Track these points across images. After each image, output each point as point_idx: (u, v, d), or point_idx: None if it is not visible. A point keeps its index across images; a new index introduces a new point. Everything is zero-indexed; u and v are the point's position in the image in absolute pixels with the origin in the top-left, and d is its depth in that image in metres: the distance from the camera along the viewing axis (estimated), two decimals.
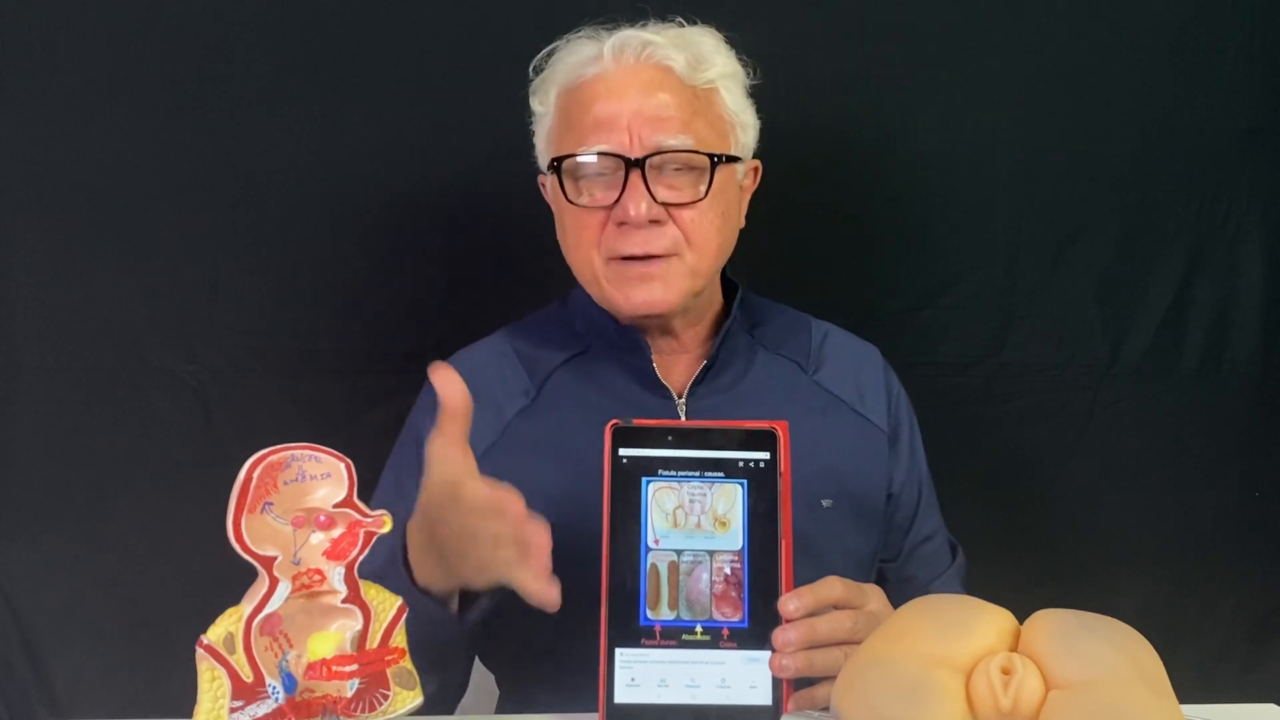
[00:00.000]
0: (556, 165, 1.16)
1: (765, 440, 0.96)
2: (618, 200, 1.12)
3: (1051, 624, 0.77)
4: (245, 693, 0.76)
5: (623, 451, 0.95)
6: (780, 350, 1.27)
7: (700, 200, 1.14)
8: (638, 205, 1.11)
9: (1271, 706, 0.97)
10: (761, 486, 0.95)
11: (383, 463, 1.24)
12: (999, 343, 1.72)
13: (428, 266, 1.61)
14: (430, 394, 1.20)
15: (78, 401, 1.58)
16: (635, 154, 1.12)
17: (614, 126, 1.13)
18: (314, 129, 1.57)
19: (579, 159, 1.14)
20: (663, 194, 1.13)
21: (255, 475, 0.76)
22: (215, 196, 1.57)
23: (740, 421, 0.97)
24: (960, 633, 0.77)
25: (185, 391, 1.59)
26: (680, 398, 1.20)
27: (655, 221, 1.13)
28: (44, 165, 1.54)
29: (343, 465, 0.80)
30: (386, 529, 0.81)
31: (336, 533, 0.80)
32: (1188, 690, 0.80)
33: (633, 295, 1.15)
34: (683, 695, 0.90)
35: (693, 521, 0.94)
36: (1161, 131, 1.69)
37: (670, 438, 0.95)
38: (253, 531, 0.76)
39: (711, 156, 1.14)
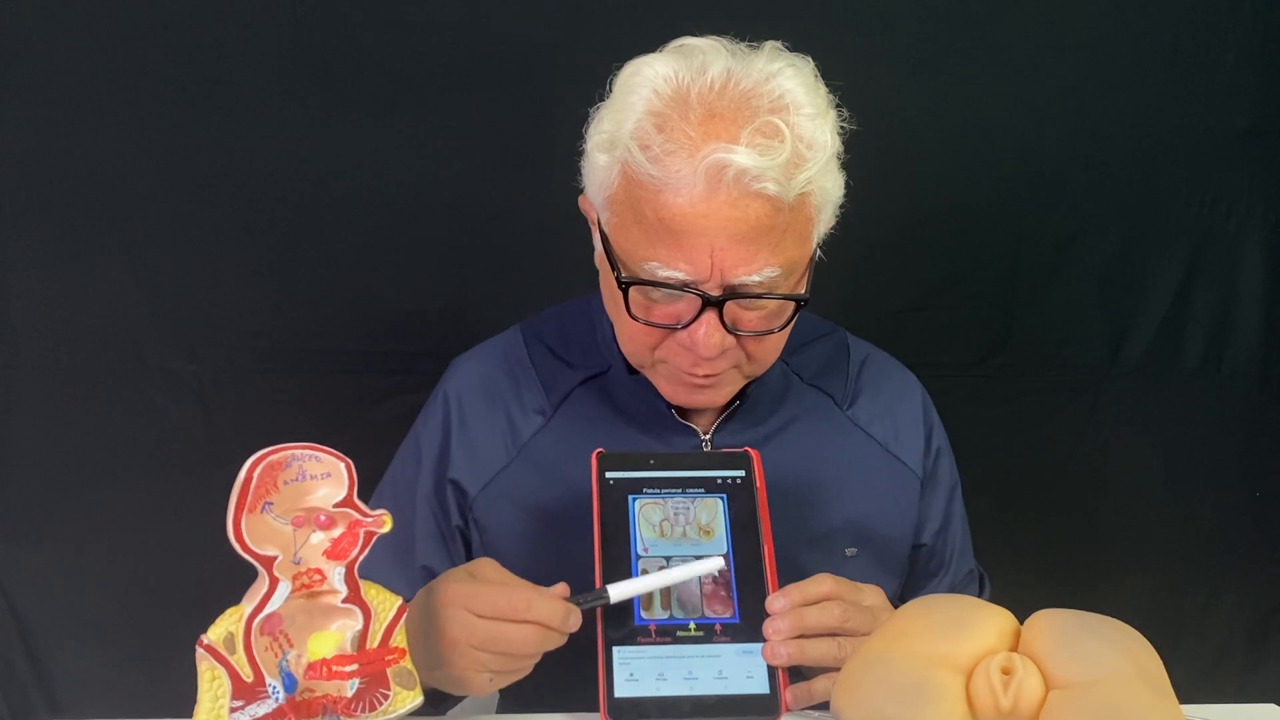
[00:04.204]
0: (609, 249, 1.05)
1: (740, 459, 1.04)
2: (687, 325, 1.02)
3: (1052, 624, 0.77)
4: (245, 692, 0.76)
5: (609, 475, 1.01)
6: (816, 382, 1.21)
7: (773, 333, 1.05)
8: (710, 342, 1.01)
9: (1271, 706, 0.97)
10: (741, 499, 1.01)
11: (384, 463, 1.24)
12: (999, 343, 1.72)
13: (431, 265, 1.61)
14: (436, 403, 1.20)
15: (76, 401, 1.58)
16: (715, 291, 0.99)
17: (694, 250, 0.98)
18: (315, 127, 1.57)
19: (649, 279, 1.01)
20: (737, 323, 1.03)
21: (255, 475, 0.76)
22: (216, 195, 1.57)
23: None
24: (960, 633, 0.77)
25: (185, 391, 1.59)
26: (706, 434, 1.14)
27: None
28: (44, 164, 1.55)
29: (343, 465, 0.80)
30: (387, 529, 0.81)
31: (337, 532, 0.80)
32: (1188, 690, 0.80)
33: (682, 397, 1.10)
34: (681, 687, 0.92)
35: (678, 531, 0.99)
36: (1161, 131, 1.69)
37: (652, 461, 1.03)
38: (253, 531, 0.76)
39: (797, 300, 1.03)
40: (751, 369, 1.09)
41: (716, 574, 0.97)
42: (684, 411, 1.14)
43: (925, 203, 1.66)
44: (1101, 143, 1.68)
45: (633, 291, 1.03)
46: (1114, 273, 1.72)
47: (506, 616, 0.89)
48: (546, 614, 0.89)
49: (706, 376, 1.06)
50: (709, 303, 1.00)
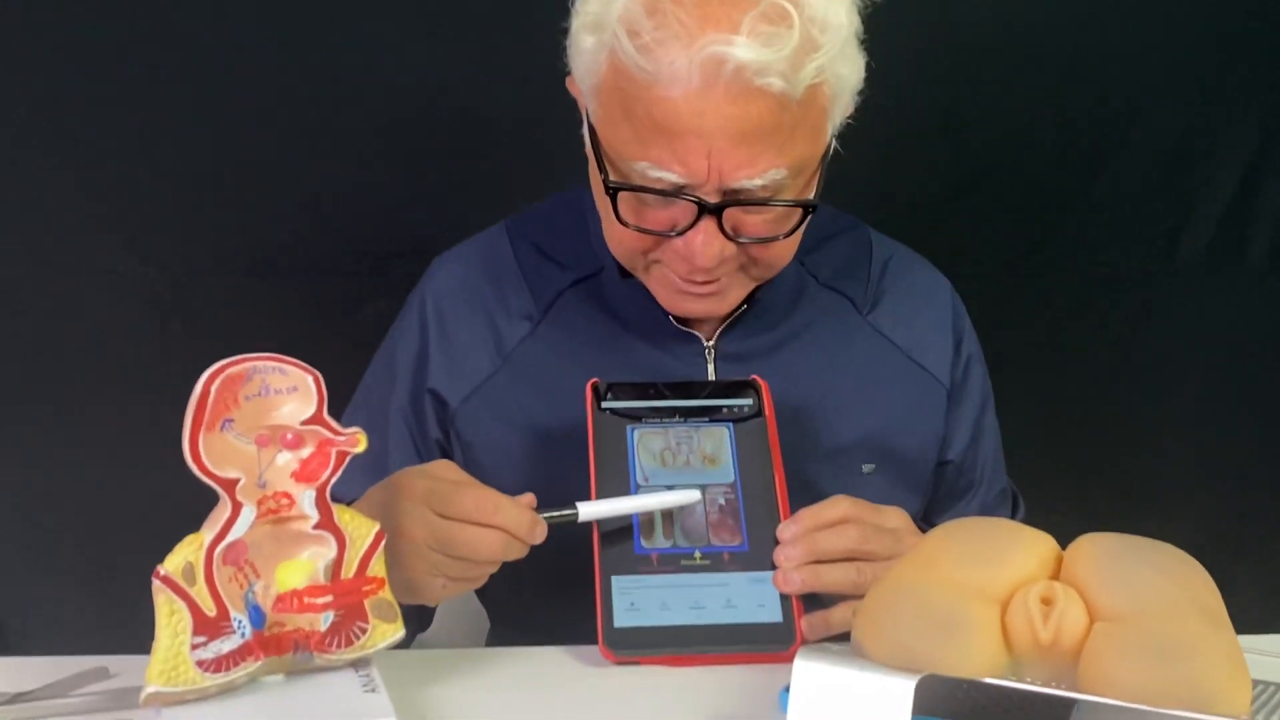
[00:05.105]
0: (596, 142, 1.04)
1: (747, 388, 1.06)
2: (682, 232, 1.01)
3: (1097, 549, 0.77)
4: (208, 627, 0.76)
5: (604, 404, 1.03)
6: (834, 284, 1.20)
7: (778, 239, 1.04)
8: (708, 252, 1.00)
9: None
10: (748, 429, 1.03)
11: (357, 375, 1.24)
12: (1040, 239, 1.71)
13: (408, 156, 1.59)
14: (413, 307, 1.19)
15: (18, 306, 1.57)
16: (713, 196, 0.98)
17: (689, 152, 0.96)
18: (277, 27, 1.55)
19: (640, 183, 1.00)
20: (738, 228, 1.02)
21: (213, 389, 0.76)
22: (169, 82, 1.55)
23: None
24: (996, 559, 0.77)
25: (136, 297, 1.58)
26: (709, 342, 1.14)
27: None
28: None
29: (310, 378, 0.80)
30: (361, 448, 0.80)
31: (305, 452, 0.80)
32: (1246, 621, 0.81)
33: (680, 305, 1.09)
34: (688, 617, 0.93)
35: (681, 460, 1.01)
36: None
37: (652, 390, 1.05)
38: (212, 451, 0.76)
39: (805, 207, 1.03)
40: (760, 272, 1.09)
41: (723, 501, 0.98)
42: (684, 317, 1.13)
43: (959, 83, 1.64)
44: (1161, 14, 1.65)
45: (623, 195, 1.02)
46: (1171, 159, 1.70)
47: (471, 518, 0.90)
48: (513, 520, 0.90)
49: (706, 284, 1.05)
50: (706, 209, 0.99)
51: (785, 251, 1.08)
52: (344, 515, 0.81)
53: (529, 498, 0.93)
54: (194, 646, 0.75)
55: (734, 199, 0.99)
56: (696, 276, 1.04)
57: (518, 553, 0.91)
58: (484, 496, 0.91)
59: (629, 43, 0.96)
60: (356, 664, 0.82)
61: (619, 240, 1.07)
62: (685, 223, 1.01)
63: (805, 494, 1.00)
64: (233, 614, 0.77)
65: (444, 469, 0.96)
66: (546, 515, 0.92)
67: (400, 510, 0.91)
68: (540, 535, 0.92)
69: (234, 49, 1.55)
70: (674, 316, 1.13)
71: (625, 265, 1.11)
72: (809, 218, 1.04)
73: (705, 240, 1.00)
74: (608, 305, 1.16)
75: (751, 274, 1.08)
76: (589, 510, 0.94)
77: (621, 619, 0.93)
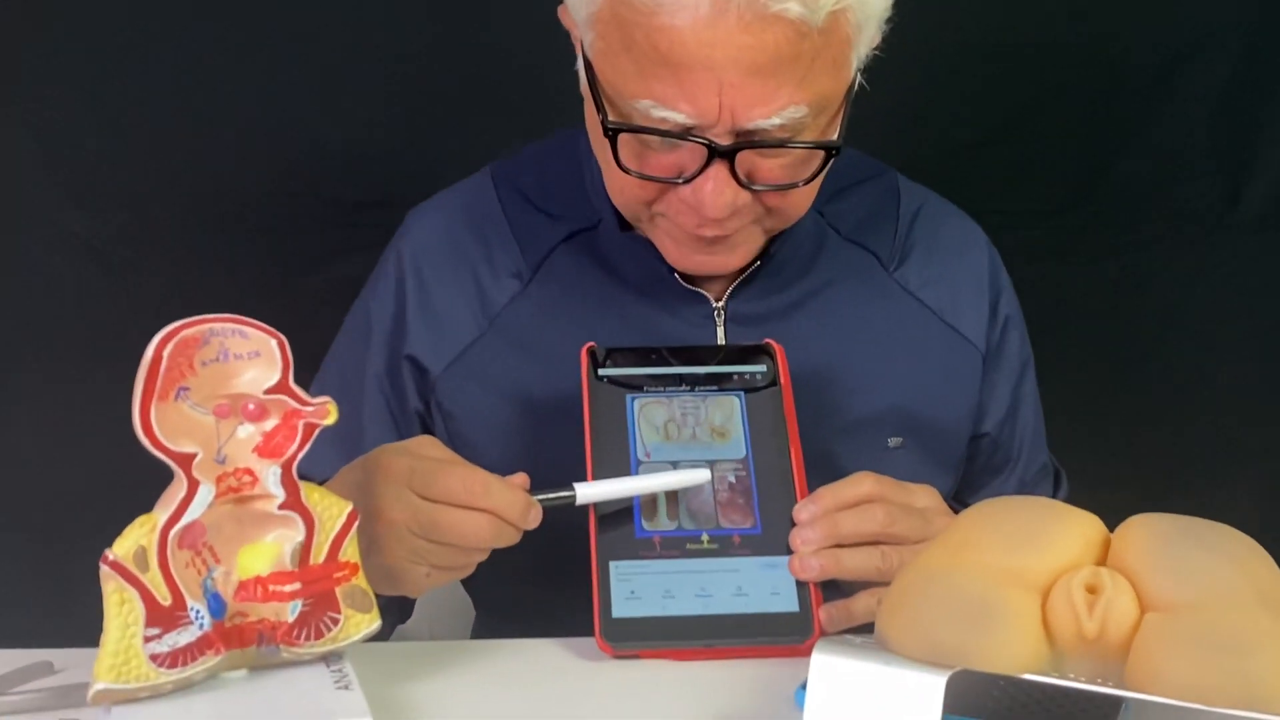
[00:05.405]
0: (593, 78, 1.03)
1: (760, 354, 1.05)
2: (690, 178, 1.00)
3: (1149, 532, 0.77)
4: (162, 618, 0.76)
5: (602, 372, 1.02)
6: (856, 237, 1.21)
7: (797, 186, 1.04)
8: (718, 202, 1.00)
9: None
10: (761, 399, 1.02)
11: (327, 338, 1.24)
12: (1087, 187, 1.70)
13: (382, 93, 1.59)
14: (389, 264, 1.19)
15: None
16: (724, 138, 0.98)
17: (697, 87, 0.96)
18: None
19: (642, 124, 1.00)
20: (752, 174, 1.02)
21: (166, 354, 0.75)
22: (123, 29, 1.55)
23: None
24: (1036, 543, 0.77)
25: (80, 251, 1.58)
26: (719, 302, 1.15)
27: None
28: None
29: (274, 342, 0.79)
30: (330, 420, 0.80)
31: (269, 425, 0.79)
32: None
33: (688, 260, 1.09)
34: (693, 606, 0.93)
35: (687, 434, 1.01)
36: None
37: (653, 356, 1.04)
38: (165, 423, 0.76)
39: (828, 149, 1.02)
40: (774, 223, 1.09)
41: (733, 479, 0.98)
42: (691, 274, 1.13)
43: (997, 11, 1.64)
44: None
45: (623, 138, 1.01)
46: (1234, 99, 1.69)
47: (459, 501, 0.90)
48: (505, 503, 0.90)
49: (716, 236, 1.05)
50: (717, 153, 0.98)
51: (804, 200, 1.07)
52: (313, 494, 0.81)
53: (521, 478, 0.93)
54: (147, 639, 0.75)
55: (748, 141, 0.98)
56: (706, 230, 1.04)
57: (509, 539, 0.91)
58: (472, 477, 0.90)
59: None
60: (327, 658, 0.83)
61: (619, 189, 1.07)
62: (693, 168, 1.00)
63: (825, 471, 1.00)
64: (189, 603, 0.77)
65: (426, 445, 0.96)
66: (541, 497, 0.92)
67: (378, 491, 0.91)
68: (535, 520, 0.91)
69: None
70: (680, 274, 1.13)
71: (627, 217, 1.11)
72: (831, 162, 1.03)
73: (716, 188, 0.99)
74: (606, 261, 1.16)
75: (766, 225, 1.08)
76: (588, 492, 0.94)
77: (620, 608, 0.93)
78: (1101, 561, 0.77)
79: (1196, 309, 1.74)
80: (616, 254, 1.15)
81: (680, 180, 1.01)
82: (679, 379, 1.03)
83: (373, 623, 0.83)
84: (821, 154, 1.02)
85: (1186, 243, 1.72)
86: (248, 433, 0.79)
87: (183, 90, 1.57)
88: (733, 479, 0.98)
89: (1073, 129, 1.69)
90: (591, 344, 1.03)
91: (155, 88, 1.56)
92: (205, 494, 0.78)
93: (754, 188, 1.02)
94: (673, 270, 1.12)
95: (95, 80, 1.55)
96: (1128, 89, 1.68)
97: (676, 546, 0.96)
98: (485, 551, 0.92)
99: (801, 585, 0.95)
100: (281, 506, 0.80)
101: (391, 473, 0.92)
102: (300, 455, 0.80)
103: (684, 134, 0.98)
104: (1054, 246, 1.69)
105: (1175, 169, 1.71)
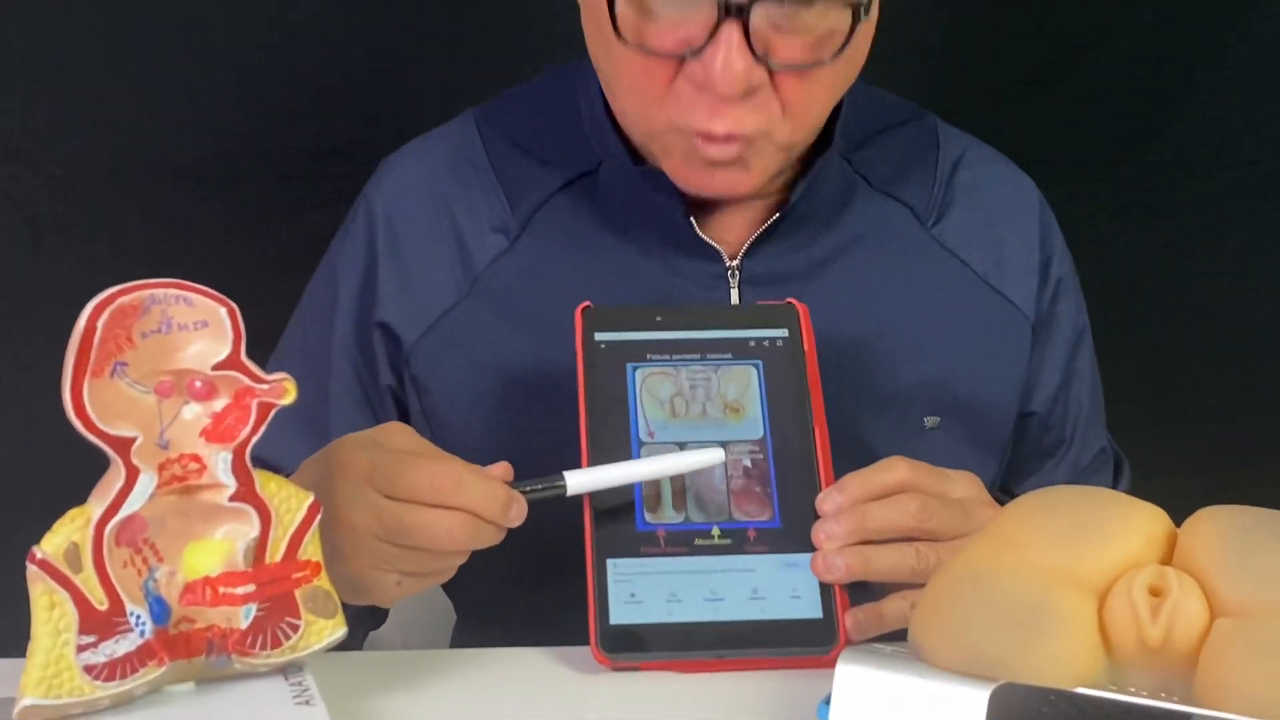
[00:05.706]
0: None
1: (781, 315, 1.03)
2: (699, 51, 0.99)
3: (1219, 527, 0.76)
4: (98, 624, 0.76)
5: (600, 336, 1.01)
6: (890, 188, 1.20)
7: (822, 64, 1.02)
8: (732, 71, 0.98)
9: None
10: (782, 368, 1.01)
11: (286, 307, 1.24)
12: (1149, 136, 1.70)
13: (351, 25, 1.58)
14: (358, 220, 1.18)
15: None
16: None
17: None
18: None
19: None
20: (770, 49, 1.00)
21: (100, 324, 0.75)
22: None
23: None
24: (1092, 539, 0.77)
25: (5, 205, 1.58)
26: (734, 260, 1.14)
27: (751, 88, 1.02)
28: None
29: (224, 311, 0.79)
30: (289, 399, 0.80)
31: (219, 405, 0.79)
32: None
33: (697, 178, 1.08)
34: (702, 611, 0.93)
35: (696, 410, 0.99)
36: None
37: (659, 318, 1.02)
38: (100, 403, 0.75)
39: (857, 7, 1.00)
40: (791, 134, 1.06)
41: (748, 463, 0.97)
42: (704, 221, 1.13)
43: None
44: None
45: (621, 3, 1.00)
46: None
47: (428, 499, 0.89)
48: (480, 499, 0.89)
49: (728, 139, 1.03)
50: (729, 10, 0.97)
51: (827, 96, 1.06)
52: (269, 484, 0.81)
53: (502, 468, 0.93)
54: (80, 648, 0.75)
55: None
56: (718, 125, 1.01)
57: (489, 539, 0.90)
58: (441, 470, 0.89)
59: None
60: (286, 669, 0.82)
61: (628, 84, 1.06)
62: (702, 36, 0.98)
63: (852, 454, 1.00)
64: (129, 607, 0.77)
65: (392, 435, 0.95)
66: (525, 488, 0.91)
67: (338, 491, 0.90)
68: (518, 516, 0.90)
69: None
70: (694, 221, 1.12)
71: (639, 132, 1.10)
72: (859, 29, 1.01)
73: (727, 58, 0.97)
74: (606, 210, 1.16)
75: (780, 137, 1.06)
76: (580, 481, 0.93)
77: (619, 614, 0.92)
78: (1167, 560, 0.77)
79: (1272, 272, 1.74)
80: (621, 198, 1.15)
81: (687, 54, 1.00)
82: (688, 345, 1.02)
83: (337, 629, 0.82)
84: (848, 16, 1.00)
85: (1250, 202, 1.73)
86: (194, 414, 0.79)
87: (122, 22, 1.56)
88: (748, 463, 0.98)
89: (1129, 71, 1.69)
90: (587, 303, 1.02)
91: (92, 18, 1.55)
92: (146, 483, 0.77)
93: (772, 65, 1.00)
94: (686, 215, 1.12)
95: (27, 15, 1.55)
96: (1194, 23, 1.67)
97: (683, 542, 0.95)
98: (463, 554, 0.91)
99: (825, 588, 0.94)
100: (233, 498, 0.80)
101: (351, 469, 0.90)
102: (254, 439, 0.80)
103: None
104: (1107, 203, 1.70)
105: (1245, 117, 1.70)
